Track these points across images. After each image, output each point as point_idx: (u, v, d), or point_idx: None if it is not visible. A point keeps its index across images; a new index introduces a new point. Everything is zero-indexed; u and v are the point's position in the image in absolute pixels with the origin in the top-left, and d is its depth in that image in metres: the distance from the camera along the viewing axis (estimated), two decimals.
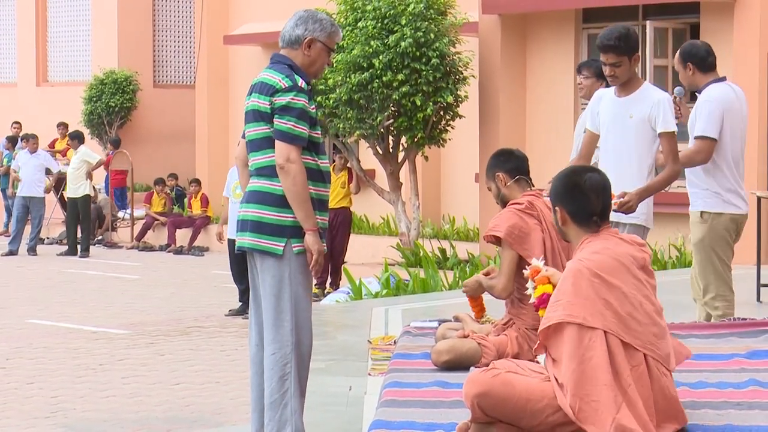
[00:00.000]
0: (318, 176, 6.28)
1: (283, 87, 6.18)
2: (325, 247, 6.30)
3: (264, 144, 6.24)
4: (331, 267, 16.89)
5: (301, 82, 6.22)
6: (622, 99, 7.83)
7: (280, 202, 6.20)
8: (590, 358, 5.39)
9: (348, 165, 18.29)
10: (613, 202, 7.47)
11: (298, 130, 6.16)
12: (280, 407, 6.16)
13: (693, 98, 8.65)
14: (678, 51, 8.53)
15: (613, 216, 7.55)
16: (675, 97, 8.59)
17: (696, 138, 8.22)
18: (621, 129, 7.78)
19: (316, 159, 6.28)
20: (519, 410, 5.39)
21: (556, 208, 5.78)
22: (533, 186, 7.39)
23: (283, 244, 6.19)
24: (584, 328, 5.42)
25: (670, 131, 7.73)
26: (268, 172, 6.23)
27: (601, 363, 5.38)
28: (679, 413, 5.57)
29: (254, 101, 6.27)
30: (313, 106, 6.28)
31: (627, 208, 7.52)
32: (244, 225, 6.31)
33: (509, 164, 7.30)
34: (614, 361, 5.41)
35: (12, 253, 22.55)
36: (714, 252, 8.28)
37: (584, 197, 5.70)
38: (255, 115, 6.26)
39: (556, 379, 5.41)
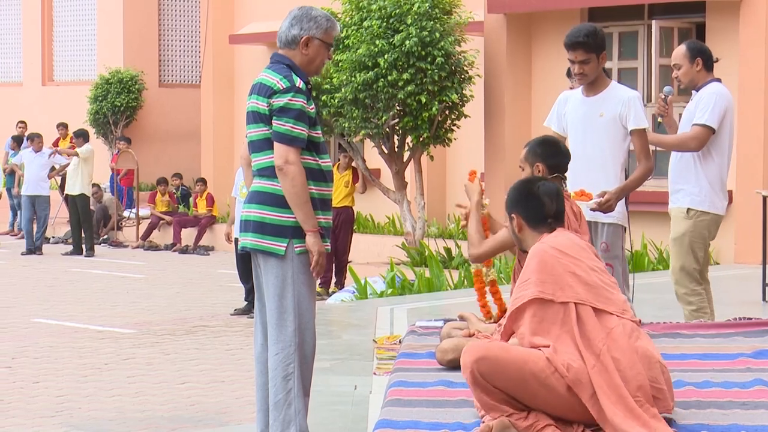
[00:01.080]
0: (320, 176, 6.26)
1: (281, 88, 6.16)
2: (328, 247, 6.29)
3: (264, 145, 6.22)
4: (335, 266, 16.90)
5: (299, 82, 6.20)
6: (590, 98, 7.81)
7: (281, 202, 6.18)
8: (568, 331, 5.53)
9: (353, 164, 18.28)
10: (593, 201, 7.50)
11: (296, 131, 6.13)
12: (284, 407, 6.16)
13: (679, 95, 8.67)
14: (684, 46, 8.52)
15: (591, 216, 7.57)
16: (663, 96, 8.62)
17: (695, 125, 8.23)
18: (592, 128, 7.75)
19: (317, 159, 6.26)
20: (518, 372, 5.47)
21: (512, 215, 6.00)
22: (566, 184, 7.17)
23: (285, 245, 6.17)
24: (554, 303, 5.59)
25: (642, 128, 7.73)
26: (269, 172, 6.22)
27: (573, 334, 5.53)
28: (664, 379, 5.61)
29: (253, 102, 6.25)
30: (312, 106, 6.25)
31: (607, 207, 7.52)
32: (246, 225, 6.31)
33: (553, 160, 7.06)
34: (585, 329, 5.54)
35: (31, 251, 22.63)
36: (692, 249, 8.34)
37: (538, 202, 5.94)
38: (255, 117, 6.25)
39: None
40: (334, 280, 17.11)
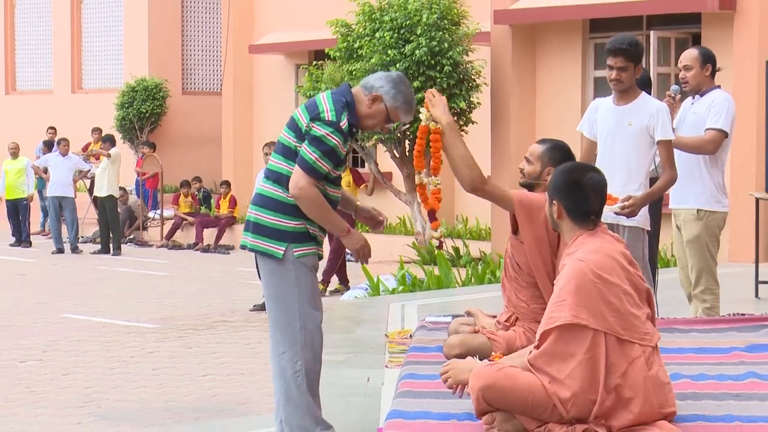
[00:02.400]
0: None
1: (326, 119, 5.99)
2: (321, 252, 6.18)
3: (286, 152, 6.10)
4: (337, 269, 16.82)
5: (343, 123, 6.01)
6: (621, 107, 7.79)
7: (278, 207, 6.08)
8: (589, 359, 5.36)
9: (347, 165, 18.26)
10: (617, 205, 7.48)
11: (319, 164, 5.98)
12: (292, 404, 6.10)
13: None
14: (697, 51, 8.51)
15: (613, 218, 7.56)
16: (672, 94, 8.62)
17: (712, 129, 8.23)
18: (620, 136, 7.74)
19: (326, 187, 6.10)
20: (521, 402, 5.37)
21: (554, 201, 5.70)
22: None
23: (284, 248, 6.06)
24: (588, 329, 5.38)
25: (668, 139, 7.71)
26: (275, 177, 6.12)
27: (599, 364, 5.36)
28: (671, 399, 5.54)
29: (299, 113, 6.12)
30: (346, 148, 6.08)
31: (630, 212, 7.51)
32: (247, 225, 6.23)
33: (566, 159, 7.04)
34: (608, 361, 5.39)
35: (61, 251, 22.67)
36: (707, 248, 8.35)
37: (584, 195, 5.63)
38: (293, 124, 6.12)
39: (549, 375, 5.40)
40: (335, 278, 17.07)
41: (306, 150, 5.99)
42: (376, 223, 6.49)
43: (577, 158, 8.44)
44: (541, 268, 6.91)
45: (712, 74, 8.46)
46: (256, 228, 6.14)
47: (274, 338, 6.15)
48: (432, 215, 6.73)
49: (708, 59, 8.45)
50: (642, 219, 7.75)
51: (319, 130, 5.99)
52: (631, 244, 7.62)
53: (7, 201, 24.00)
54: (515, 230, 6.99)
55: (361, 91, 6.16)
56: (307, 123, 6.02)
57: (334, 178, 6.16)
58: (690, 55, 8.50)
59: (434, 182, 6.65)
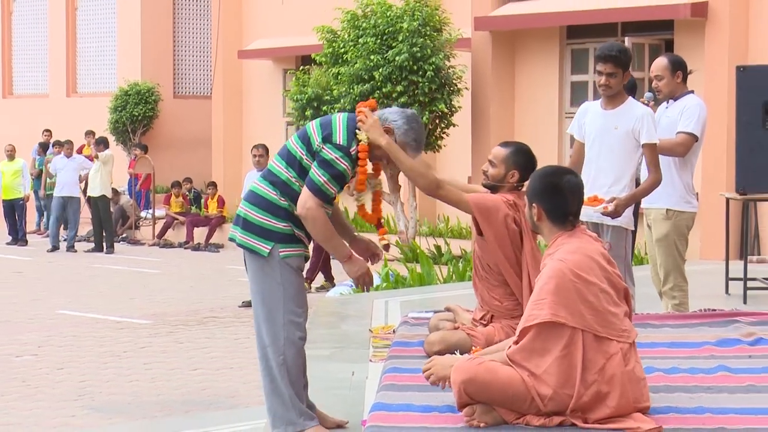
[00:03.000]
0: None
1: (337, 142, 5.96)
2: (308, 254, 6.16)
3: (289, 159, 6.06)
4: (321, 264, 16.77)
5: (353, 149, 6.00)
6: (608, 111, 7.81)
7: (269, 207, 6.05)
8: (566, 355, 5.37)
9: None
10: (602, 206, 7.50)
11: (326, 187, 5.95)
12: (275, 395, 6.09)
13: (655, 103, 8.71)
14: (666, 59, 8.53)
15: (597, 218, 7.58)
16: (645, 101, 8.65)
17: (682, 132, 8.27)
18: (607, 139, 7.77)
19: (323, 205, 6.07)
20: (501, 395, 5.37)
21: (533, 204, 5.69)
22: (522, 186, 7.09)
23: (270, 248, 6.02)
24: (566, 327, 5.38)
25: (653, 143, 7.74)
26: (272, 179, 6.09)
27: (576, 360, 5.37)
28: (646, 394, 5.55)
29: (313, 128, 6.07)
30: (352, 174, 6.06)
31: (614, 213, 7.53)
32: (237, 220, 6.20)
33: (529, 172, 7.01)
34: (585, 357, 5.39)
35: (56, 248, 22.62)
36: (676, 247, 8.38)
37: (562, 197, 5.63)
38: (304, 136, 6.07)
39: (528, 369, 5.40)
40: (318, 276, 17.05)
41: (315, 172, 5.96)
42: (372, 255, 6.46)
43: (567, 159, 8.49)
44: (508, 266, 6.92)
45: (684, 79, 8.48)
46: (245, 224, 6.11)
47: (259, 332, 6.13)
48: (378, 224, 6.70)
49: (678, 66, 8.47)
50: (626, 219, 7.78)
51: (329, 153, 5.97)
52: (615, 244, 7.65)
53: (3, 201, 23.96)
54: (480, 232, 6.99)
55: (381, 119, 6.15)
56: (320, 142, 5.99)
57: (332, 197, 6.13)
58: (660, 64, 8.53)
59: (375, 185, 6.57)
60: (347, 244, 6.30)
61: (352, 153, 6.01)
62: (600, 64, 7.73)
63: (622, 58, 7.68)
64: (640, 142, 7.72)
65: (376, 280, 14.27)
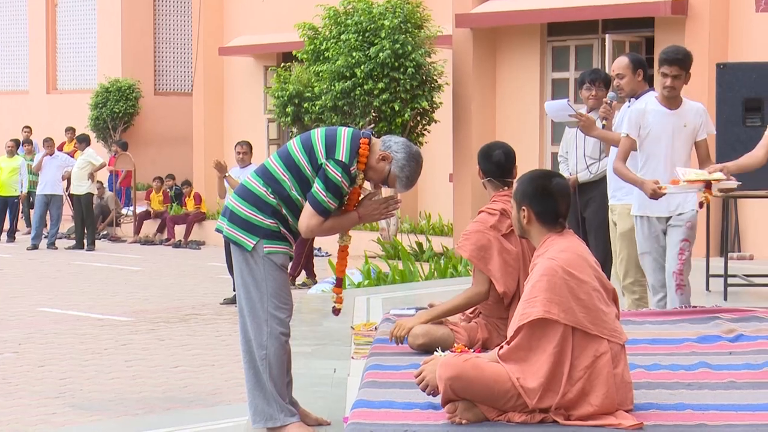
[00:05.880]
0: (299, 214, 6.09)
1: (340, 159, 6.00)
2: (291, 253, 6.20)
3: (288, 163, 6.08)
4: (303, 262, 16.75)
5: (353, 168, 6.05)
6: (675, 111, 8.16)
7: (257, 202, 6.06)
8: (557, 352, 5.39)
9: None
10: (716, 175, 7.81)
11: (328, 204, 5.99)
12: (258, 389, 6.10)
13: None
14: (627, 58, 8.70)
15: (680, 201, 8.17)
16: (608, 101, 8.75)
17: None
18: (679, 136, 8.15)
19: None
20: (486, 392, 5.38)
21: (523, 207, 5.71)
22: (508, 186, 7.15)
23: (254, 242, 6.04)
24: (559, 324, 5.40)
25: (713, 134, 8.48)
26: (267, 178, 6.09)
27: (565, 357, 5.40)
28: (630, 398, 5.57)
29: (317, 138, 6.09)
30: (349, 189, 6.09)
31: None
32: (224, 211, 6.23)
33: (484, 165, 7.15)
34: (573, 354, 5.42)
35: (36, 247, 22.50)
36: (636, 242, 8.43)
37: (552, 200, 5.66)
38: (308, 145, 6.09)
39: (520, 367, 5.42)
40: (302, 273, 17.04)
41: (318, 189, 6.00)
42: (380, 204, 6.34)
43: (549, 155, 8.57)
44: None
45: (645, 78, 8.63)
46: (232, 217, 6.14)
47: (242, 325, 6.15)
48: (338, 282, 6.75)
49: (639, 65, 8.67)
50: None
51: (332, 171, 6.00)
52: (694, 224, 8.30)
53: None
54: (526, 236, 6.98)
55: (380, 143, 6.17)
56: (325, 158, 6.02)
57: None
58: (621, 63, 8.67)
59: (345, 239, 6.58)
60: (348, 214, 6.22)
61: (352, 172, 6.05)
62: (666, 67, 8.08)
63: (687, 61, 8.14)
64: (701, 136, 8.19)
65: (357, 277, 14.28)
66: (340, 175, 6.00)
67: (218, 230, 6.25)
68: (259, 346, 6.08)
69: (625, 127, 8.26)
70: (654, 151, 8.16)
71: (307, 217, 6.03)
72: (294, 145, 6.14)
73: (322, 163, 6.02)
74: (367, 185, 6.29)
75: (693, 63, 8.34)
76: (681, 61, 8.07)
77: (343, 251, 6.44)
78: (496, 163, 7.09)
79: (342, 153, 6.03)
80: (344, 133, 6.12)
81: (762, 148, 7.94)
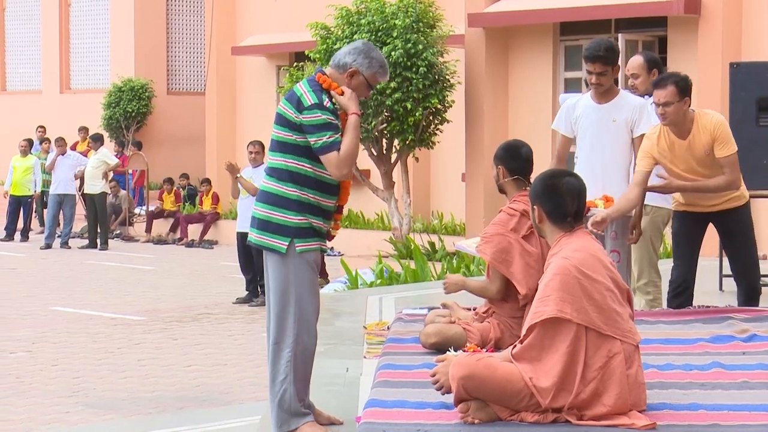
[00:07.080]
0: (324, 187, 6.11)
1: (309, 104, 6.02)
2: (326, 247, 6.22)
3: (280, 147, 6.11)
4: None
5: (326, 102, 6.06)
6: (603, 105, 7.92)
7: (279, 202, 6.07)
8: (570, 352, 5.39)
9: None
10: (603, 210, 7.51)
11: (330, 139, 5.99)
12: (280, 392, 6.11)
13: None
14: (642, 58, 8.63)
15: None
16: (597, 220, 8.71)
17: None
18: (606, 132, 7.89)
19: (322, 171, 6.09)
20: (499, 391, 5.38)
21: (534, 206, 5.75)
22: (529, 185, 7.16)
23: (287, 243, 6.05)
24: (572, 323, 5.40)
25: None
26: (279, 174, 6.10)
27: (578, 357, 5.39)
28: (643, 399, 5.57)
29: (282, 106, 6.14)
30: (339, 121, 6.09)
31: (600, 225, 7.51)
32: (253, 222, 6.23)
33: (511, 164, 7.14)
34: (587, 354, 5.41)
35: (49, 246, 22.53)
36: (651, 242, 8.43)
37: (560, 199, 5.67)
38: (280, 119, 6.14)
39: (532, 366, 5.41)
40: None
41: (314, 140, 6.02)
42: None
43: (553, 154, 8.54)
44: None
45: None
46: (263, 225, 6.14)
47: (271, 328, 6.16)
48: (339, 209, 6.75)
49: (654, 64, 8.59)
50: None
51: (308, 117, 6.02)
52: (620, 232, 7.92)
53: (11, 196, 23.86)
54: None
55: (335, 71, 6.20)
56: (297, 115, 6.05)
57: (331, 186, 6.14)
58: (636, 62, 8.61)
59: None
60: (347, 125, 6.19)
61: (327, 105, 6.07)
62: (588, 64, 7.91)
63: (610, 57, 7.86)
64: (637, 133, 7.86)
65: (370, 277, 14.27)
66: (317, 114, 6.01)
67: (250, 242, 6.27)
68: (285, 348, 6.09)
69: (554, 122, 8.25)
70: (581, 144, 8.06)
71: (331, 164, 6.01)
72: (274, 131, 6.18)
73: (299, 121, 6.04)
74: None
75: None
76: (603, 58, 7.85)
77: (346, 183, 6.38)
78: (526, 160, 7.12)
79: (307, 98, 6.05)
80: (299, 86, 6.15)
81: (635, 187, 7.73)
